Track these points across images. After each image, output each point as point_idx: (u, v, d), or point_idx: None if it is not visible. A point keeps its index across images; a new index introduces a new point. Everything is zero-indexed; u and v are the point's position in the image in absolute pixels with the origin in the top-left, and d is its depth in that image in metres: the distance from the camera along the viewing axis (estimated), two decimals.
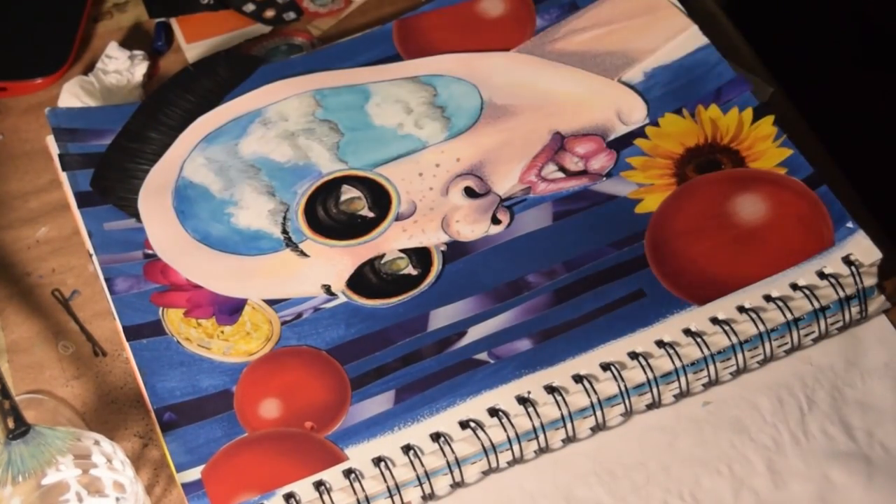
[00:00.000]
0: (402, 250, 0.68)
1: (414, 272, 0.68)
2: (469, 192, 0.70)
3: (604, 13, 0.77)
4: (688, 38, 0.75)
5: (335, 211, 0.70)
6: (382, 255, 0.68)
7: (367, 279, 0.68)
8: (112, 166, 0.72)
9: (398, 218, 0.70)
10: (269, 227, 0.70)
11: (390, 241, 0.69)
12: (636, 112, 0.73)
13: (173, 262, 0.69)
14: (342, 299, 0.67)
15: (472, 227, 0.69)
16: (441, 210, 0.70)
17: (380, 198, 0.70)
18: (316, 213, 0.70)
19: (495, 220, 0.69)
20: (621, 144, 0.72)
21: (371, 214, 0.70)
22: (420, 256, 0.68)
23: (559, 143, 0.72)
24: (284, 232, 0.69)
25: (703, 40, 0.75)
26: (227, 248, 0.69)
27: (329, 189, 0.71)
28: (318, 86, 0.75)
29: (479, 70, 0.75)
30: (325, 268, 0.68)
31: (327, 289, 0.67)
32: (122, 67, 0.78)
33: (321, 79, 0.75)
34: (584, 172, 0.71)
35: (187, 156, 0.73)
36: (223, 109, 0.74)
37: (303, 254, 0.69)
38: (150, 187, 0.72)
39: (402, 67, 0.76)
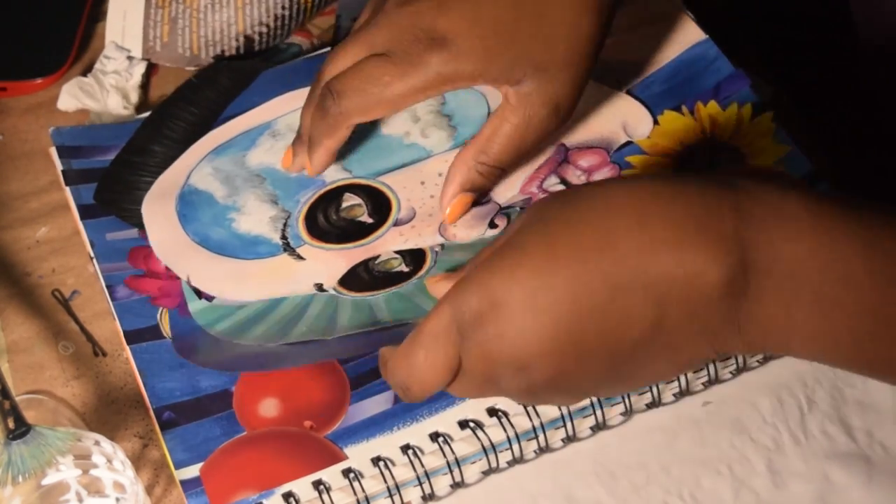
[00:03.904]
0: (396, 251, 0.68)
1: (406, 269, 0.68)
2: None
3: (617, 20, 0.76)
4: (686, 34, 0.75)
5: (335, 218, 0.70)
6: (377, 257, 0.68)
7: (360, 277, 0.68)
8: (116, 179, 0.72)
9: (396, 223, 0.69)
10: (269, 233, 0.70)
11: (386, 245, 0.69)
12: (642, 126, 0.72)
13: (171, 263, 0.69)
14: (331, 293, 0.67)
15: (469, 231, 0.69)
16: (440, 216, 0.69)
17: (380, 205, 0.70)
18: (316, 221, 0.70)
19: (492, 225, 0.69)
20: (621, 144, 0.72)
21: (370, 220, 0.70)
22: (414, 256, 0.68)
23: (563, 156, 0.71)
24: (283, 237, 0.69)
25: (701, 35, 0.75)
26: (226, 251, 0.69)
27: (331, 197, 0.70)
28: None
29: None
30: (320, 269, 0.68)
31: (319, 287, 0.67)
32: (120, 68, 0.78)
33: None
34: None
35: (195, 165, 0.73)
36: (234, 123, 0.74)
37: (299, 257, 0.69)
38: (156, 192, 0.72)
39: None
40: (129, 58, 0.78)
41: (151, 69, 0.79)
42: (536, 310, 0.53)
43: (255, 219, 0.70)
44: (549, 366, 0.54)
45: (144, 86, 0.78)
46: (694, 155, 0.71)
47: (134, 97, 0.77)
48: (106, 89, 0.77)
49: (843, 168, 0.72)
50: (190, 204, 0.71)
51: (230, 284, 0.68)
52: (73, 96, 0.77)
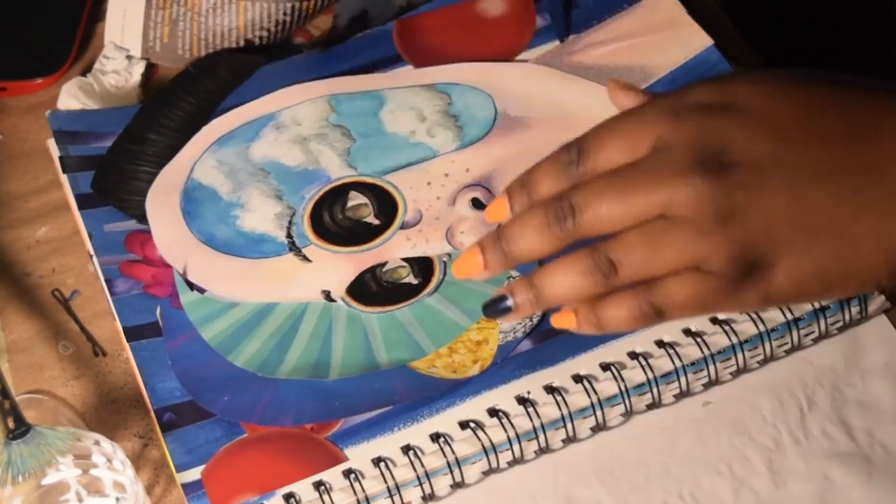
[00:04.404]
0: (404, 259, 0.68)
1: (414, 281, 0.68)
2: (476, 204, 0.70)
3: (624, 26, 0.76)
4: (692, 41, 0.75)
5: (341, 217, 0.70)
6: (384, 263, 0.68)
7: (367, 286, 0.67)
8: (113, 168, 0.72)
9: (403, 226, 0.69)
10: (274, 230, 0.70)
11: (393, 250, 0.69)
12: None
13: (175, 261, 0.69)
14: (340, 304, 0.67)
15: (476, 239, 0.68)
16: (446, 220, 0.69)
17: (386, 205, 0.70)
18: (322, 219, 0.70)
19: None
20: None
21: (376, 222, 0.70)
22: (422, 266, 0.68)
23: None
24: (289, 236, 0.69)
25: (707, 42, 0.75)
26: (231, 250, 0.69)
27: (336, 195, 0.70)
28: (334, 91, 0.74)
29: (496, 80, 0.75)
30: (327, 274, 0.68)
31: (327, 294, 0.67)
32: (120, 68, 0.78)
33: (337, 84, 0.75)
34: None
35: (198, 157, 0.73)
36: (237, 113, 0.74)
37: (305, 259, 0.69)
38: (160, 188, 0.72)
39: (418, 74, 0.75)
40: (129, 57, 0.78)
41: (151, 69, 0.79)
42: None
43: (260, 215, 0.70)
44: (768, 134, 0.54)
45: (144, 86, 0.78)
46: None
47: (133, 97, 0.77)
48: (105, 89, 0.77)
49: None
50: (194, 200, 0.71)
51: (236, 284, 0.68)
52: (72, 96, 0.77)
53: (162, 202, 0.71)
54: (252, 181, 0.71)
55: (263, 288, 0.68)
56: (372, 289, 0.67)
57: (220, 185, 0.72)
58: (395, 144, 0.72)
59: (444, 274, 0.68)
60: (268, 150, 0.73)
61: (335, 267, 0.68)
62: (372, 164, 0.72)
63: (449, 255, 0.68)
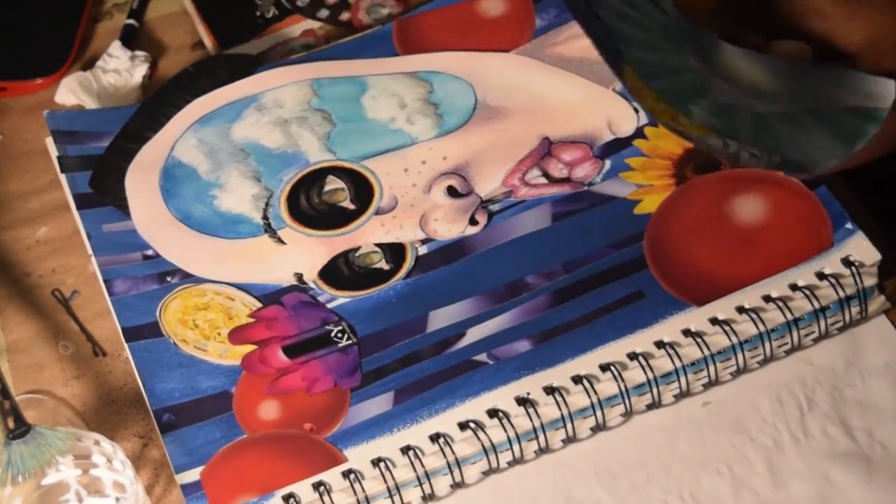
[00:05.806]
0: (377, 244, 0.69)
1: (386, 267, 0.68)
2: (451, 192, 0.70)
3: None
4: None
5: (317, 201, 0.70)
6: (357, 248, 0.69)
7: (340, 271, 0.68)
8: (110, 167, 0.72)
9: (378, 212, 0.70)
10: (251, 212, 0.70)
11: (367, 235, 0.69)
12: (626, 123, 0.72)
13: (151, 238, 0.69)
14: (312, 288, 0.67)
15: (450, 226, 0.69)
16: (421, 207, 0.70)
17: (362, 191, 0.70)
18: (298, 202, 0.70)
19: (473, 222, 0.69)
20: (620, 146, 0.72)
21: (352, 207, 0.70)
22: (394, 252, 0.68)
23: (546, 149, 0.72)
24: (265, 218, 0.70)
25: None
26: (207, 229, 0.70)
27: (314, 178, 0.71)
28: (318, 75, 0.75)
29: (477, 69, 0.75)
30: (300, 256, 0.68)
31: (299, 277, 0.68)
32: (121, 67, 0.78)
33: (321, 68, 0.76)
34: (567, 180, 0.70)
35: (180, 136, 0.73)
36: (221, 93, 0.75)
37: (280, 241, 0.69)
38: (140, 164, 0.72)
39: (402, 62, 0.76)
40: (132, 58, 0.78)
41: (152, 70, 0.79)
42: None
43: (238, 196, 0.71)
44: None
45: (145, 87, 0.78)
46: (694, 158, 0.71)
47: (132, 97, 0.77)
48: (104, 87, 0.77)
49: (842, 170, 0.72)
50: (173, 178, 0.71)
51: (208, 264, 0.68)
52: (70, 91, 0.77)
53: (141, 179, 0.71)
54: (231, 161, 0.72)
55: (237, 268, 0.68)
56: (344, 273, 0.68)
57: (199, 164, 0.72)
58: (375, 130, 0.72)
59: (415, 260, 0.68)
60: (249, 131, 0.73)
61: (308, 250, 0.69)
62: (351, 149, 0.72)
63: (422, 241, 0.69)
